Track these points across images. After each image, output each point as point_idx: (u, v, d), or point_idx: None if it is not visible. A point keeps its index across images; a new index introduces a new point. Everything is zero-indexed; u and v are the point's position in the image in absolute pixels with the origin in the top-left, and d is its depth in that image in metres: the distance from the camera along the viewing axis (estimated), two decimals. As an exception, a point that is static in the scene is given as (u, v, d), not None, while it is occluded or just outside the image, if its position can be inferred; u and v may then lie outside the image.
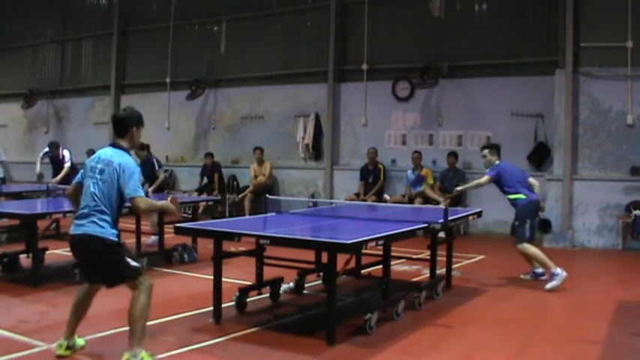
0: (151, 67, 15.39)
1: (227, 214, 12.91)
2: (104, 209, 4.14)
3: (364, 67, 12.52)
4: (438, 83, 11.76)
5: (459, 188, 8.18)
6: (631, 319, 5.79)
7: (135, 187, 4.15)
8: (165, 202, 4.55)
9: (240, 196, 12.93)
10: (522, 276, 7.40)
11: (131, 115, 4.44)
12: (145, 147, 10.20)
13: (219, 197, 12.24)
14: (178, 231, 5.68)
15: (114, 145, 4.33)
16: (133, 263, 4.21)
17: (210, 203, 11.93)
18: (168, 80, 14.92)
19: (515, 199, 7.12)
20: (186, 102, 14.52)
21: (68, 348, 4.33)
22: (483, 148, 7.55)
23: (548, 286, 6.76)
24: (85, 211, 4.18)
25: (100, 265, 4.21)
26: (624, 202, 9.87)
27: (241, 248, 6.15)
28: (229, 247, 6.31)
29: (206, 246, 8.35)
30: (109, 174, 4.16)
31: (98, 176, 4.19)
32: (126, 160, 4.21)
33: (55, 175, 11.47)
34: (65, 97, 17.09)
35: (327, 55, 12.92)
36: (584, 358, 4.67)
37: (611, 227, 9.99)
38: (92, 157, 4.37)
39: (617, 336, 5.21)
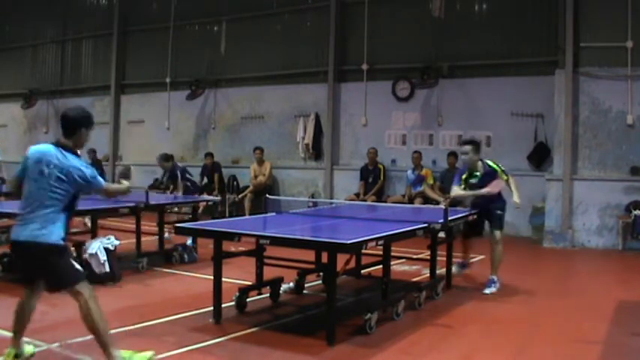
0: (151, 67, 15.39)
1: (227, 214, 12.91)
2: (49, 212, 4.00)
3: (364, 67, 12.52)
4: (438, 83, 11.75)
5: (519, 200, 6.96)
6: (631, 319, 5.79)
7: (97, 181, 4.13)
8: (120, 185, 4.71)
9: (240, 196, 12.93)
10: (454, 269, 7.18)
11: (82, 116, 4.26)
12: (170, 158, 10.12)
13: (219, 197, 12.24)
14: (178, 231, 5.67)
15: (58, 145, 4.13)
16: (78, 266, 4.14)
17: (210, 203, 11.93)
18: (168, 80, 14.91)
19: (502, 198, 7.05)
20: (186, 102, 14.52)
21: (16, 356, 4.22)
22: (466, 143, 7.05)
23: (487, 291, 6.68)
24: (30, 214, 4.03)
25: (45, 270, 4.08)
26: (624, 202, 9.87)
27: (241, 248, 6.14)
28: (229, 247, 6.31)
29: (206, 246, 8.38)
30: (61, 177, 4.00)
31: (47, 179, 4.01)
32: (78, 163, 4.08)
33: None
34: (65, 97, 17.08)
35: (327, 55, 12.92)
36: (584, 358, 4.67)
37: (611, 227, 9.98)
38: (33, 155, 4.12)
39: (617, 336, 5.21)
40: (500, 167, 6.98)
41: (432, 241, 6.47)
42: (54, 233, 4.01)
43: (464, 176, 7.06)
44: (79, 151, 4.28)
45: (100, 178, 4.20)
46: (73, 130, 4.17)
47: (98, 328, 3.99)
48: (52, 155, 4.06)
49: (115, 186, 4.65)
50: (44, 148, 4.14)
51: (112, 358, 4.00)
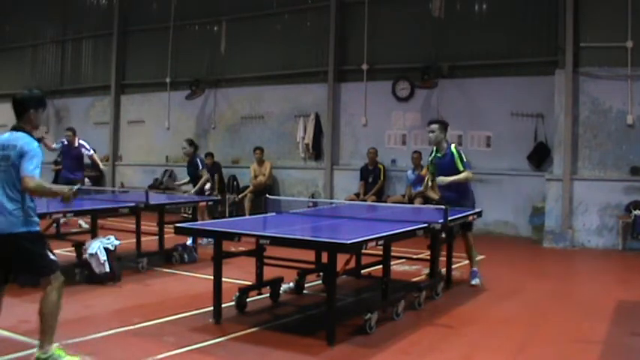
0: (151, 67, 15.39)
1: (227, 214, 12.91)
2: (15, 197, 4.01)
3: (364, 67, 12.52)
4: (438, 84, 11.72)
5: (442, 179, 6.93)
6: (631, 319, 5.79)
7: (28, 166, 3.99)
8: (59, 187, 4.43)
9: (240, 196, 12.93)
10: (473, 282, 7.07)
11: (31, 97, 4.26)
12: (193, 144, 10.01)
13: (219, 197, 12.23)
14: (178, 231, 5.67)
15: (15, 129, 4.19)
16: (53, 257, 4.15)
17: (210, 203, 11.93)
18: (168, 80, 14.92)
19: (470, 189, 7.14)
20: (186, 102, 14.51)
21: None
22: (433, 122, 7.20)
23: (474, 282, 6.95)
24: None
25: (20, 260, 4.08)
26: (624, 202, 9.87)
27: (241, 248, 6.14)
28: (229, 247, 6.31)
29: (206, 246, 8.38)
30: (15, 158, 4.03)
31: (3, 163, 4.05)
32: (28, 142, 4.08)
33: (70, 167, 10.72)
34: (65, 97, 17.10)
35: (327, 55, 12.92)
36: (584, 358, 4.67)
37: (611, 227, 9.98)
38: None
39: (617, 336, 5.21)
40: (460, 155, 6.96)
41: (432, 241, 6.47)
42: (26, 219, 4.04)
43: (430, 157, 7.29)
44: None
45: (32, 166, 4.00)
46: (21, 112, 4.21)
47: (46, 319, 4.03)
48: (5, 138, 4.14)
49: (44, 184, 4.17)
50: (3, 135, 4.20)
51: (46, 349, 4.02)
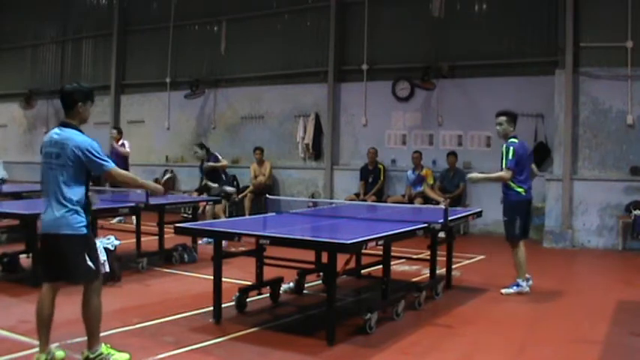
0: (151, 67, 15.39)
1: (227, 214, 12.90)
2: (65, 197, 3.98)
3: (364, 67, 12.52)
4: (438, 84, 11.70)
5: (473, 175, 6.85)
6: (631, 319, 5.79)
7: (100, 162, 4.02)
8: (147, 182, 4.64)
9: (240, 196, 12.92)
10: (503, 291, 6.63)
11: (76, 90, 4.17)
12: (204, 147, 10.16)
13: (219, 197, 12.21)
14: (178, 231, 5.67)
15: (63, 125, 4.13)
16: (91, 264, 4.09)
17: (210, 203, 11.92)
18: (168, 80, 14.92)
19: (512, 192, 6.57)
20: (186, 102, 14.51)
21: None
22: (500, 114, 6.59)
23: (503, 290, 6.56)
24: (50, 203, 4.04)
25: (57, 262, 4.06)
26: (624, 202, 9.87)
27: (241, 248, 6.14)
28: (229, 247, 6.31)
29: (206, 246, 8.37)
30: (67, 157, 3.98)
31: (53, 161, 4.01)
32: (82, 140, 4.03)
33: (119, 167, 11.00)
34: (65, 97, 17.08)
35: (327, 55, 12.92)
36: (584, 358, 4.67)
37: (611, 227, 9.98)
38: (46, 140, 4.13)
39: (617, 336, 5.21)
40: (508, 152, 6.37)
41: (432, 241, 6.47)
42: (72, 222, 4.01)
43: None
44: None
45: (104, 160, 4.06)
46: (70, 104, 4.13)
47: (93, 322, 4.15)
48: (55, 134, 4.10)
49: (126, 173, 4.33)
50: (52, 131, 4.18)
51: (95, 349, 4.12)
